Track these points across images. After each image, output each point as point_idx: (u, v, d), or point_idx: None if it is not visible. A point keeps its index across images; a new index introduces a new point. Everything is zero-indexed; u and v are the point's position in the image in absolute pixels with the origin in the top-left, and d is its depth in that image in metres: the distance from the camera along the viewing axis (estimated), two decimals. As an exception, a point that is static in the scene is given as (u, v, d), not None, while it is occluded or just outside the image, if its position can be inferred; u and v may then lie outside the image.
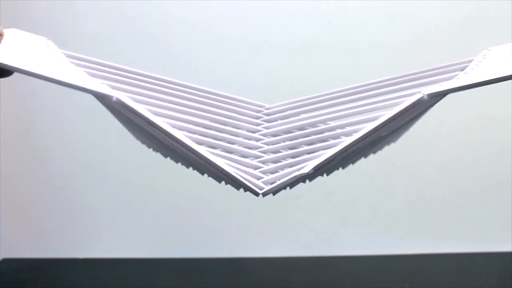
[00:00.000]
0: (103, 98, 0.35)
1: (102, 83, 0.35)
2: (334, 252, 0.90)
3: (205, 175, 0.40)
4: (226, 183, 0.38)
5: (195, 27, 0.85)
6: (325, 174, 0.40)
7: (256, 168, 0.36)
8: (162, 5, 0.84)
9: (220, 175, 0.35)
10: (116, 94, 0.29)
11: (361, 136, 0.31)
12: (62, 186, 0.91)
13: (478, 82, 0.30)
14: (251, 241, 0.92)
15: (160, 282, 0.84)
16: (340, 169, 0.42)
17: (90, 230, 0.93)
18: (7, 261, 0.92)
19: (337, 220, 0.90)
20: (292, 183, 0.36)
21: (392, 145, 0.44)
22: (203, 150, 0.32)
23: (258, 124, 0.47)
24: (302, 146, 0.41)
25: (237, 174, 0.33)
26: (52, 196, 0.92)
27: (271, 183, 0.33)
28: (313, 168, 0.32)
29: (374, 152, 0.45)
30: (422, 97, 0.29)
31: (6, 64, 0.29)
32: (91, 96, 0.45)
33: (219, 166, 0.32)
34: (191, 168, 0.42)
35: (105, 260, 0.91)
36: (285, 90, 0.85)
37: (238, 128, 0.44)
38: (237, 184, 0.35)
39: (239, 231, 0.92)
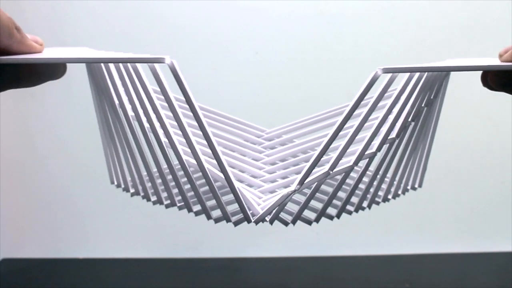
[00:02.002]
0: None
1: None
2: (334, 252, 0.90)
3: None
4: (216, 222, 0.37)
5: (195, 27, 0.85)
6: (335, 218, 0.39)
7: (259, 197, 0.37)
8: (161, 5, 0.84)
9: (219, 202, 0.34)
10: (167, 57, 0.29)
11: (336, 129, 0.32)
12: (62, 186, 0.91)
13: (437, 67, 0.30)
14: (251, 241, 0.92)
15: (160, 282, 0.84)
16: (354, 213, 0.41)
17: (90, 230, 0.93)
18: (7, 261, 0.92)
19: (337, 220, 0.90)
20: (286, 210, 0.36)
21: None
22: (225, 161, 0.32)
23: (260, 152, 0.47)
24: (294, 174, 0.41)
25: (247, 196, 0.34)
26: (52, 196, 0.92)
27: (263, 209, 0.34)
28: (298, 183, 0.32)
29: (391, 195, 0.43)
30: (377, 73, 0.30)
31: (58, 58, 0.29)
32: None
33: (233, 185, 0.32)
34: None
35: (105, 260, 0.91)
36: (285, 90, 0.85)
37: (244, 155, 0.45)
38: (229, 213, 0.35)
39: (239, 231, 0.92)
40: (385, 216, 0.91)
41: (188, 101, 0.30)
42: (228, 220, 0.35)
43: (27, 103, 0.88)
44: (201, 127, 0.31)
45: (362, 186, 0.39)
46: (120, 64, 0.32)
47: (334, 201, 0.39)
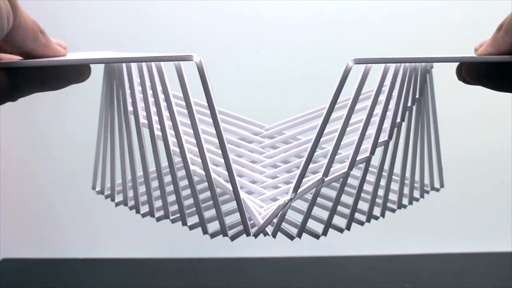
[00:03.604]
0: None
1: None
2: (334, 252, 0.90)
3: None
4: (212, 237, 0.34)
5: (195, 27, 0.85)
6: (345, 231, 0.37)
7: (260, 206, 0.34)
8: (161, 5, 0.84)
9: (220, 214, 0.32)
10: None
11: (318, 132, 0.30)
12: (62, 186, 0.91)
13: (411, 58, 0.30)
14: (251, 241, 0.92)
15: (160, 282, 0.84)
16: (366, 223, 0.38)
17: (90, 230, 0.93)
18: (7, 261, 0.92)
19: (337, 220, 0.90)
20: (284, 220, 0.33)
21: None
22: (235, 171, 0.30)
23: (260, 153, 0.43)
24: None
25: (250, 207, 0.32)
26: (52, 196, 0.92)
27: (263, 218, 0.32)
28: (293, 191, 0.31)
29: (407, 200, 0.40)
30: (348, 65, 0.29)
31: (85, 59, 0.29)
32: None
33: (240, 198, 0.30)
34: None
35: (105, 260, 0.91)
36: (285, 91, 0.85)
37: (241, 156, 0.42)
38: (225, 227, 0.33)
39: (239, 231, 0.92)
40: (385, 216, 0.91)
41: (210, 103, 0.29)
42: (225, 235, 0.33)
43: (28, 103, 0.88)
44: (218, 133, 0.29)
45: (371, 192, 0.37)
46: (143, 64, 0.31)
47: (344, 210, 0.37)
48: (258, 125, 0.46)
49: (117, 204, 0.40)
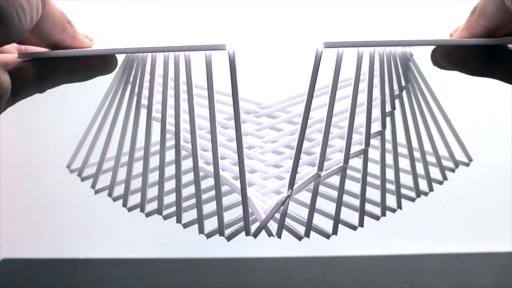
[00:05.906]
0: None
1: None
2: (334, 252, 0.90)
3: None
4: (208, 237, 0.33)
5: (195, 27, 0.85)
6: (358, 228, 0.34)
7: (263, 201, 0.33)
8: (161, 5, 0.84)
9: (220, 212, 0.31)
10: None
11: (304, 119, 0.29)
12: (62, 186, 0.91)
13: (385, 41, 0.30)
14: (251, 241, 0.92)
15: (160, 282, 0.84)
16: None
17: (90, 230, 0.93)
18: (7, 261, 0.92)
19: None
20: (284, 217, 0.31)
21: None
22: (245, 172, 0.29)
23: (260, 137, 0.39)
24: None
25: (255, 203, 0.30)
26: (52, 196, 0.92)
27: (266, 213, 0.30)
28: (289, 188, 0.30)
29: (427, 186, 0.38)
30: (318, 49, 0.28)
31: (114, 49, 0.29)
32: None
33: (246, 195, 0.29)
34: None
35: (105, 260, 0.91)
36: (285, 90, 0.85)
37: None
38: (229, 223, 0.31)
39: (239, 231, 0.92)
40: (385, 216, 0.91)
41: (234, 96, 0.29)
42: (222, 234, 0.32)
43: (28, 103, 0.88)
44: (237, 127, 0.29)
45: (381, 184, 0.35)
46: (171, 55, 0.30)
47: (355, 202, 0.35)
48: (254, 102, 0.41)
49: (96, 192, 0.38)
